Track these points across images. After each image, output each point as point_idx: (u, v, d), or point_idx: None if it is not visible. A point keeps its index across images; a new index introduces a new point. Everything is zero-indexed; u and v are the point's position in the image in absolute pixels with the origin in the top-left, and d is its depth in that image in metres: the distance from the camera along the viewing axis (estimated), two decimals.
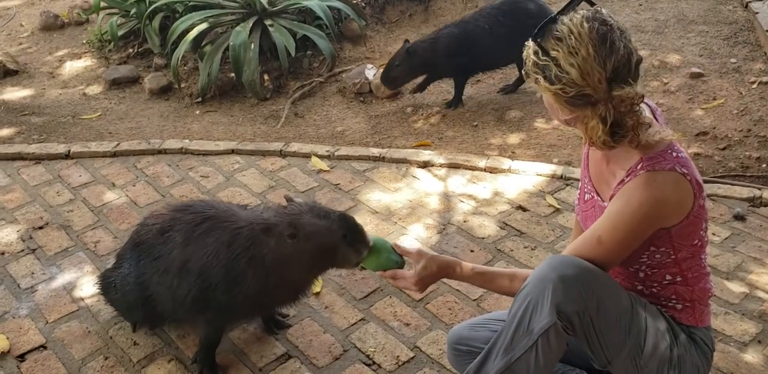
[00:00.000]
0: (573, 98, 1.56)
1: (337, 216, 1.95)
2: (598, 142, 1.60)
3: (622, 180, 1.65)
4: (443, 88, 4.52)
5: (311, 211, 1.98)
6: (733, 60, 4.32)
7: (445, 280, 2.64)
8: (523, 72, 1.68)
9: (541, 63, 1.56)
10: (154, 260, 2.22)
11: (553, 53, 1.53)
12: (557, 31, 1.54)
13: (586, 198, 1.86)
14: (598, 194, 1.80)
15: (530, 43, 1.59)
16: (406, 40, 4.22)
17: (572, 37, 1.51)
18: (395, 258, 1.89)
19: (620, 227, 1.60)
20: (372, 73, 4.56)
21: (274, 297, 2.18)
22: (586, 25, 1.51)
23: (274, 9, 4.89)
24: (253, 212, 2.20)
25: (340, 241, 1.91)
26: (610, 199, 1.67)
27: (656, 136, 1.62)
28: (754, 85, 4.02)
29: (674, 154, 1.62)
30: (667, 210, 1.60)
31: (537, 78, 1.59)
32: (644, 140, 1.60)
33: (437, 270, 1.82)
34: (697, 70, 4.20)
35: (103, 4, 5.35)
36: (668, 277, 1.73)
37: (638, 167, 1.62)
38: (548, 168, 3.38)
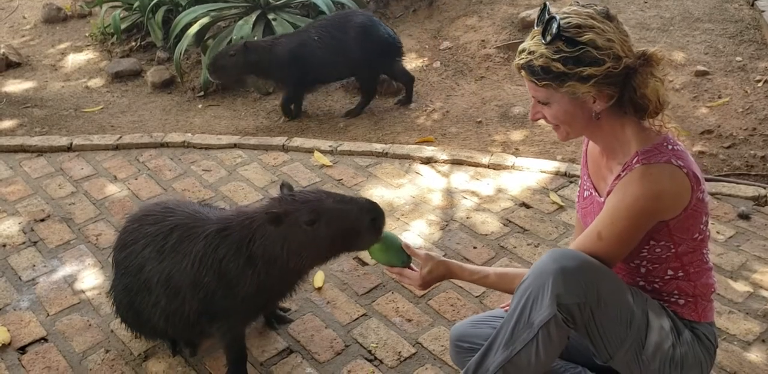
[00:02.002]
0: (617, 76, 1.55)
1: (365, 200, 1.92)
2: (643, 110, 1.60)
3: (619, 175, 1.65)
4: (446, 85, 4.50)
5: (330, 196, 1.92)
6: (738, 58, 4.30)
7: None
8: (545, 84, 1.58)
9: (574, 55, 1.53)
10: (123, 276, 2.18)
11: (585, 38, 1.53)
12: (567, 22, 1.54)
13: (585, 195, 1.86)
14: (596, 191, 1.80)
15: (543, 50, 1.55)
16: (242, 38, 4.24)
17: (589, 19, 1.54)
18: (402, 258, 1.91)
19: (618, 222, 1.60)
20: None
21: (276, 293, 2.13)
22: (582, 10, 1.56)
23: (278, 3, 4.87)
24: (224, 210, 2.14)
25: (365, 225, 1.86)
26: (608, 195, 1.67)
27: (655, 123, 1.64)
28: (760, 84, 4.00)
29: (670, 147, 1.62)
30: (664, 203, 1.59)
31: (573, 73, 1.54)
32: (651, 121, 1.63)
33: (442, 274, 1.88)
34: (703, 68, 4.18)
35: None
36: (670, 272, 1.72)
37: (633, 161, 1.62)
38: (552, 165, 3.36)
